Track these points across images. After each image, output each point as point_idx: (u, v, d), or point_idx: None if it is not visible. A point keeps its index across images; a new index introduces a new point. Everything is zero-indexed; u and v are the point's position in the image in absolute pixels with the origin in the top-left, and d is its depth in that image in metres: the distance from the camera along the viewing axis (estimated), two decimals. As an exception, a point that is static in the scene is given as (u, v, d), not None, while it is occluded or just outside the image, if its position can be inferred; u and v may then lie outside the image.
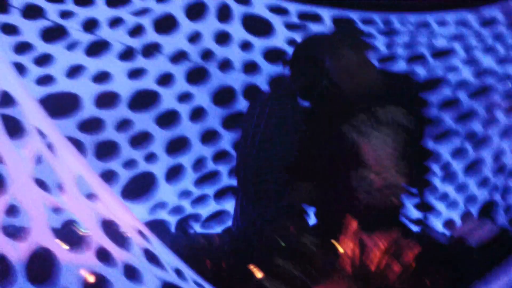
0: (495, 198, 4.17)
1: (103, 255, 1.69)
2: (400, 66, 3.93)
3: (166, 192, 3.67)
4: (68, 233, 2.23)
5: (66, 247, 1.68)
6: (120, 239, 1.79)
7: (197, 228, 3.81)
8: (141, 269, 1.71)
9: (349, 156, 2.52)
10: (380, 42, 3.89)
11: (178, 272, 1.84)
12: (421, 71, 3.99)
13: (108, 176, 3.45)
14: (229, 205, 3.83)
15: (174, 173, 3.69)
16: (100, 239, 1.71)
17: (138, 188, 3.60)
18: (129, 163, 3.55)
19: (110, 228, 1.79)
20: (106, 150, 3.47)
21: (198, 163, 3.76)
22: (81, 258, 1.65)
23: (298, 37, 3.75)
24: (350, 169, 2.49)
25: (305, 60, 3.09)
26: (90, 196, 1.81)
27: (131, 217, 1.93)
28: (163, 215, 3.68)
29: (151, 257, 1.81)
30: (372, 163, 2.50)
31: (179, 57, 3.58)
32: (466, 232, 2.49)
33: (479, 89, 4.01)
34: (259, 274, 1.80)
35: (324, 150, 2.62)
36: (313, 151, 2.68)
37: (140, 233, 1.88)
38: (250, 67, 3.76)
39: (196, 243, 2.58)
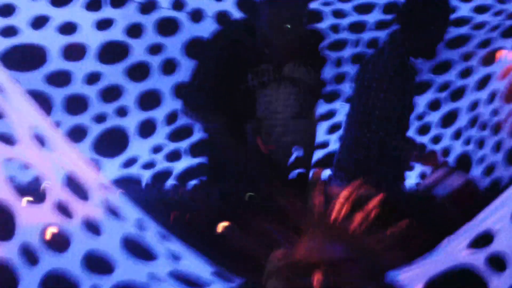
0: (469, 149, 4.18)
1: (63, 208, 1.66)
2: (375, 16, 3.87)
3: (138, 147, 3.62)
4: (34, 187, 2.19)
5: (26, 201, 1.64)
6: (80, 191, 1.76)
7: (170, 182, 3.79)
8: (101, 221, 1.69)
9: (245, 105, 2.55)
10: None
11: (141, 225, 1.82)
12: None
13: (78, 131, 3.40)
14: (202, 159, 3.81)
15: (146, 127, 3.63)
16: (60, 191, 1.67)
17: (109, 142, 3.55)
18: (100, 117, 3.49)
19: (70, 180, 1.75)
20: (75, 104, 3.40)
21: (171, 117, 3.71)
22: (41, 211, 1.62)
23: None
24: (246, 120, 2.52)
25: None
26: (50, 148, 1.77)
27: (92, 170, 1.89)
28: (135, 169, 3.64)
29: (113, 210, 1.78)
30: (266, 114, 2.54)
31: (149, 6, 3.48)
32: (434, 181, 2.50)
33: (455, 38, 3.97)
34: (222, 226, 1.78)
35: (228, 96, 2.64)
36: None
37: (102, 185, 1.84)
38: (223, 17, 3.68)
39: (166, 197, 2.55)
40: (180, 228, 2.24)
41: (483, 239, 1.71)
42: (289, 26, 2.63)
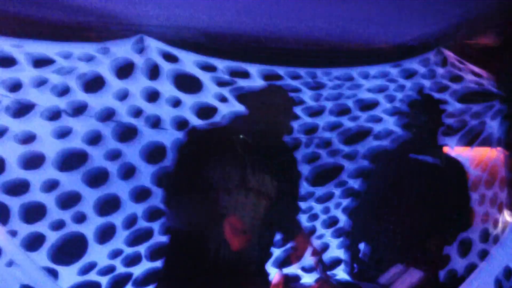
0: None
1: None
2: (327, 119, 4.04)
3: (96, 252, 3.60)
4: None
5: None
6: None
7: (129, 287, 3.75)
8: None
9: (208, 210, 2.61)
10: (307, 96, 4.00)
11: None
12: (348, 123, 4.13)
13: (35, 239, 3.38)
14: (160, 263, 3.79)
15: (104, 233, 3.63)
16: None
17: (68, 249, 3.52)
18: (58, 225, 3.47)
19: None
20: (33, 212, 3.39)
21: (130, 222, 3.72)
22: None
23: (227, 93, 3.83)
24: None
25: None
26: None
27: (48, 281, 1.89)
28: (93, 276, 3.60)
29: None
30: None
31: (108, 116, 3.57)
32: (391, 278, 2.55)
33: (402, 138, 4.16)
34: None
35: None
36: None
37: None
38: (181, 124, 3.79)
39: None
40: None
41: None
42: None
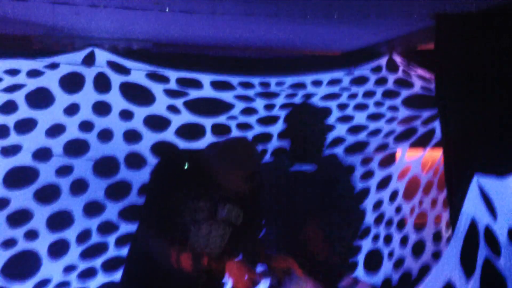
0: (378, 246, 4.36)
1: None
2: (279, 127, 4.07)
3: (49, 269, 3.58)
4: None
5: None
6: None
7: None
8: None
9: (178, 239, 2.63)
10: (259, 105, 4.02)
11: None
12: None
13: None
14: (118, 275, 3.78)
15: (57, 248, 3.60)
16: None
17: (19, 267, 3.49)
18: (8, 243, 3.43)
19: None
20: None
21: (83, 236, 3.69)
22: None
23: (178, 103, 3.82)
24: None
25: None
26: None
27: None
28: (47, 292, 3.57)
29: None
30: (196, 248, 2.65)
31: (56, 131, 3.53)
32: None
33: (353, 144, 4.21)
34: None
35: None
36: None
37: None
38: (132, 136, 3.77)
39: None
40: None
41: None
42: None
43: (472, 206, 1.81)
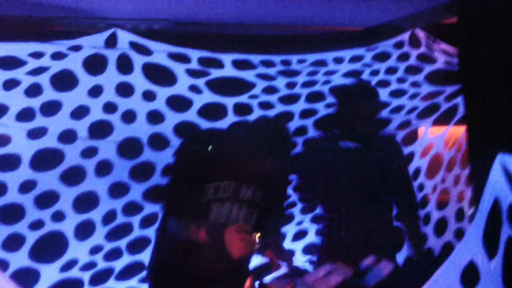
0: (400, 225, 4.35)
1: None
2: (300, 105, 4.06)
3: (76, 249, 3.63)
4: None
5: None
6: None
7: (112, 281, 3.79)
8: None
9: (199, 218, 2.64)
10: (280, 83, 4.01)
11: None
12: (321, 108, 4.15)
13: (15, 239, 3.40)
14: (143, 256, 3.85)
15: (83, 230, 3.65)
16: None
17: (47, 248, 3.55)
18: (36, 224, 3.49)
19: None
20: (10, 213, 3.40)
21: (108, 217, 3.74)
22: None
23: (200, 83, 3.83)
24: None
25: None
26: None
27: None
28: (75, 272, 3.64)
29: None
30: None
31: (80, 113, 3.56)
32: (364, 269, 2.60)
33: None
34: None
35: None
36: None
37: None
38: (155, 117, 3.79)
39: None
40: None
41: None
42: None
43: (495, 184, 1.79)
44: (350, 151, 3.34)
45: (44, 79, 3.41)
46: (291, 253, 4.04)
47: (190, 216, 2.67)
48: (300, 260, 4.15)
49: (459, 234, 4.31)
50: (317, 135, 4.06)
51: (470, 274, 1.86)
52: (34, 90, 3.39)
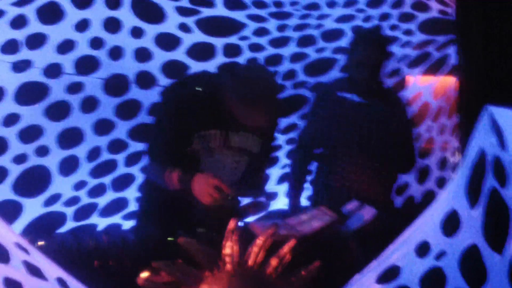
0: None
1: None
2: (291, 49, 4.01)
3: (60, 184, 3.63)
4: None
5: None
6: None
7: (95, 216, 3.82)
8: (22, 282, 1.70)
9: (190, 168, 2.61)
10: (272, 25, 3.95)
11: (61, 282, 1.85)
12: (311, 53, 4.11)
13: (-1, 173, 3.39)
14: (127, 193, 3.86)
15: (68, 165, 3.64)
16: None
17: (31, 182, 3.54)
18: (20, 158, 3.47)
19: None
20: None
21: (93, 153, 3.73)
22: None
23: (190, 22, 3.76)
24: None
25: None
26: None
27: (8, 230, 1.91)
28: (58, 207, 3.64)
29: (33, 269, 1.80)
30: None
31: (67, 46, 3.49)
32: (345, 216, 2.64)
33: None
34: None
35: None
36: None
37: (19, 245, 1.86)
38: (142, 54, 3.73)
39: (86, 247, 2.56)
40: (104, 277, 2.29)
41: (390, 274, 1.85)
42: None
43: (482, 136, 1.79)
44: (354, 104, 3.36)
45: (29, 11, 3.32)
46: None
47: (175, 164, 2.62)
48: (284, 202, 4.18)
49: (441, 182, 4.35)
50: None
51: (451, 222, 1.88)
52: (19, 22, 3.30)
